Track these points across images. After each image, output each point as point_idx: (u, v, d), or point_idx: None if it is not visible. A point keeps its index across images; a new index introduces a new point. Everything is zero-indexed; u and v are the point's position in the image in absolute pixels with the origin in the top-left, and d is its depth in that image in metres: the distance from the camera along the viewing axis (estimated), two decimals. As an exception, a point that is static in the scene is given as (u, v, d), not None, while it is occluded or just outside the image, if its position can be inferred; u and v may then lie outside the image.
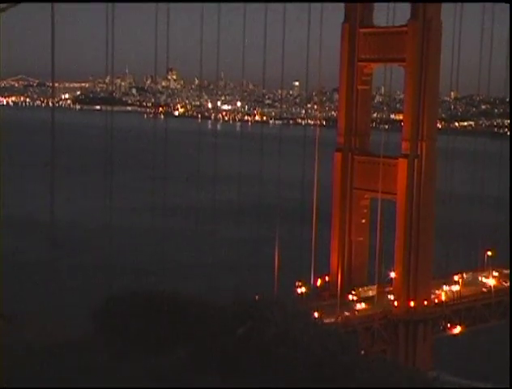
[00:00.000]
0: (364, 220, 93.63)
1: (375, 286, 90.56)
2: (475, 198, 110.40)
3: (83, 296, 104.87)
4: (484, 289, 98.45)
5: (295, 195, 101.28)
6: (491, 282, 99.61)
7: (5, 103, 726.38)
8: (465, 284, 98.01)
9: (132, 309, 56.83)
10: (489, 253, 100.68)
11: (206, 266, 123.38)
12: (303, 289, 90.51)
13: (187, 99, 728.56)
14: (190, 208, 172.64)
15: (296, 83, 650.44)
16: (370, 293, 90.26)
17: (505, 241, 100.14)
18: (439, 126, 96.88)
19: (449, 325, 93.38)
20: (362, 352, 62.24)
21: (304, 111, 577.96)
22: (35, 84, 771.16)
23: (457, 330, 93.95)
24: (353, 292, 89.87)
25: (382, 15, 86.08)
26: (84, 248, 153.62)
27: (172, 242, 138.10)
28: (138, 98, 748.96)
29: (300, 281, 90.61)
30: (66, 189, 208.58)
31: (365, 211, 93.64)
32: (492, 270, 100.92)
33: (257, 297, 61.72)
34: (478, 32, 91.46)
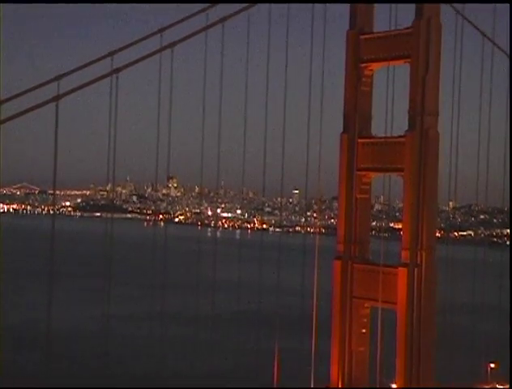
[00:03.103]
0: (364, 330, 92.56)
1: None
2: (476, 308, 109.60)
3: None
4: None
5: (294, 303, 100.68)
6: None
7: (5, 210, 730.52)
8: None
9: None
10: (492, 365, 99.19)
11: (204, 376, 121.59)
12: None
13: (187, 206, 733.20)
14: (189, 316, 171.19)
15: (296, 192, 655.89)
16: None
17: (508, 353, 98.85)
18: (438, 235, 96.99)
19: None
20: None
21: (303, 219, 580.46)
22: (36, 192, 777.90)
23: None
24: None
25: (381, 126, 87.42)
26: (82, 357, 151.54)
27: (171, 351, 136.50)
28: (138, 205, 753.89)
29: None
30: (65, 296, 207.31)
31: (365, 320, 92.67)
32: (496, 383, 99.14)
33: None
34: (475, 142, 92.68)
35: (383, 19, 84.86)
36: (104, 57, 63.45)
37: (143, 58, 65.83)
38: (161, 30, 67.44)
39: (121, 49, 64.61)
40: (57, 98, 58.82)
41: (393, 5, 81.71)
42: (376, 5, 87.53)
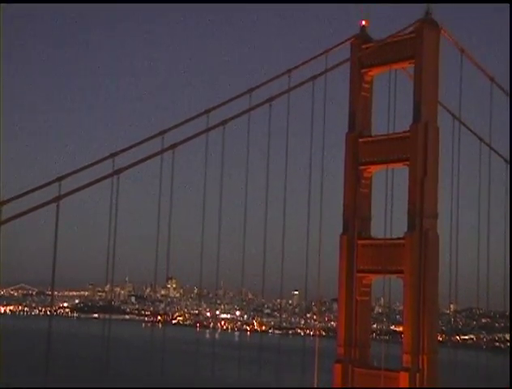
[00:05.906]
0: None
1: None
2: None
3: None
4: None
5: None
6: None
7: (2, 311, 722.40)
8: None
9: None
10: None
11: None
12: None
13: (186, 307, 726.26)
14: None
15: (296, 293, 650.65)
16: None
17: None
18: (440, 338, 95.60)
19: None
20: None
21: (303, 321, 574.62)
22: (34, 293, 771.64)
23: None
24: None
25: (380, 227, 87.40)
26: None
27: None
28: (136, 306, 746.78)
29: None
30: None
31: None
32: None
33: None
34: (475, 244, 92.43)
35: (382, 123, 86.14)
36: (105, 159, 64.04)
37: (145, 159, 66.45)
38: (163, 132, 68.39)
39: (122, 151, 65.25)
40: (57, 199, 58.95)
41: (391, 109, 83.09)
42: (374, 109, 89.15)
